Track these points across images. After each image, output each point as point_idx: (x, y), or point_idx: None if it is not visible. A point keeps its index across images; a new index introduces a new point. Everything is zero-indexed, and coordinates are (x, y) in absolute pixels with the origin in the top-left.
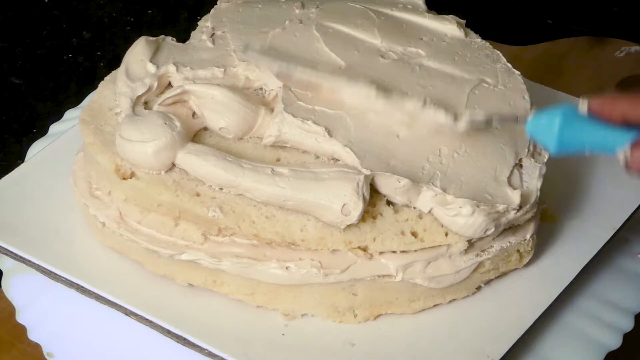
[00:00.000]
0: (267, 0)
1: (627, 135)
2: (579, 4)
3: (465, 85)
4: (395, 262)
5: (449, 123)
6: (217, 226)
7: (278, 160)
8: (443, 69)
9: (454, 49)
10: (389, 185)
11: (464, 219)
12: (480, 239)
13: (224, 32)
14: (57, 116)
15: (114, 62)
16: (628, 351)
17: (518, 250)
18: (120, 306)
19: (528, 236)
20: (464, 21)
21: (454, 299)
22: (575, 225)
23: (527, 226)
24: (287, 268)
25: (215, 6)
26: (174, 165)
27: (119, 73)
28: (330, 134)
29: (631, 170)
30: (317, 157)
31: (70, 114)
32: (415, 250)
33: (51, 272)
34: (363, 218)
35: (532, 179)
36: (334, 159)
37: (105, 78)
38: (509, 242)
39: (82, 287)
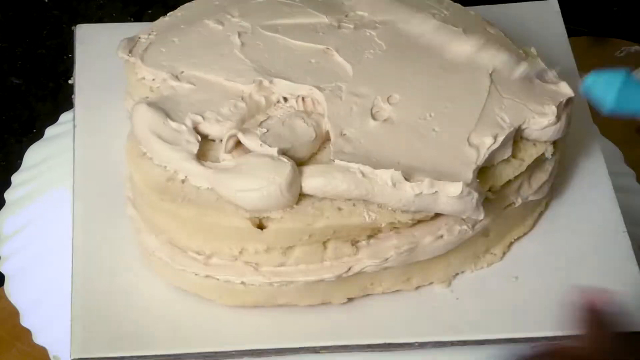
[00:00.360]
0: (183, 29)
1: None
2: (578, 4)
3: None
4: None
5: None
6: (372, 228)
7: None
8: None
9: None
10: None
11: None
12: None
13: (182, 72)
14: (54, 118)
15: None
16: None
17: None
18: (308, 348)
19: None
20: None
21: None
22: None
23: None
24: (441, 237)
25: (141, 54)
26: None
27: (153, 149)
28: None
29: None
30: None
31: (65, 117)
32: (521, 173)
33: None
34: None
35: None
36: None
37: (127, 167)
38: None
39: (258, 350)
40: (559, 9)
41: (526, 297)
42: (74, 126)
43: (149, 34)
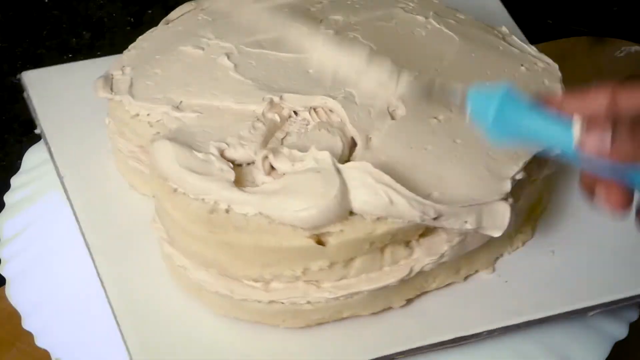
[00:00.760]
0: (159, 59)
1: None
2: (579, 4)
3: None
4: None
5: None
6: (425, 226)
7: None
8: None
9: None
10: None
11: None
12: None
13: (181, 102)
14: None
15: None
16: (635, 340)
17: None
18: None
19: None
20: None
21: None
22: None
23: None
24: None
25: (129, 90)
26: None
27: (187, 183)
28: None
29: (584, 151)
30: None
31: None
32: None
33: None
34: None
35: None
36: None
37: (159, 206)
38: None
39: None
40: None
41: (569, 268)
42: (62, 176)
43: (122, 70)
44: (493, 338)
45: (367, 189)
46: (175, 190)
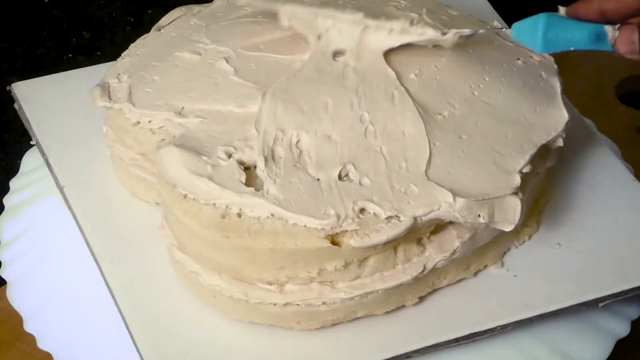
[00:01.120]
0: (155, 66)
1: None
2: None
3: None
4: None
5: (438, 37)
6: (437, 223)
7: None
8: None
9: None
10: None
11: None
12: None
13: (183, 108)
14: None
15: None
16: (637, 338)
17: None
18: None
19: None
20: None
21: None
22: None
23: None
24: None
25: (129, 98)
26: None
27: (197, 189)
28: None
29: (618, 50)
30: None
31: None
32: None
33: None
34: None
35: None
36: None
37: (168, 214)
38: None
39: None
40: None
41: (576, 260)
42: (62, 187)
43: (118, 78)
44: (495, 336)
45: None
46: (185, 196)
